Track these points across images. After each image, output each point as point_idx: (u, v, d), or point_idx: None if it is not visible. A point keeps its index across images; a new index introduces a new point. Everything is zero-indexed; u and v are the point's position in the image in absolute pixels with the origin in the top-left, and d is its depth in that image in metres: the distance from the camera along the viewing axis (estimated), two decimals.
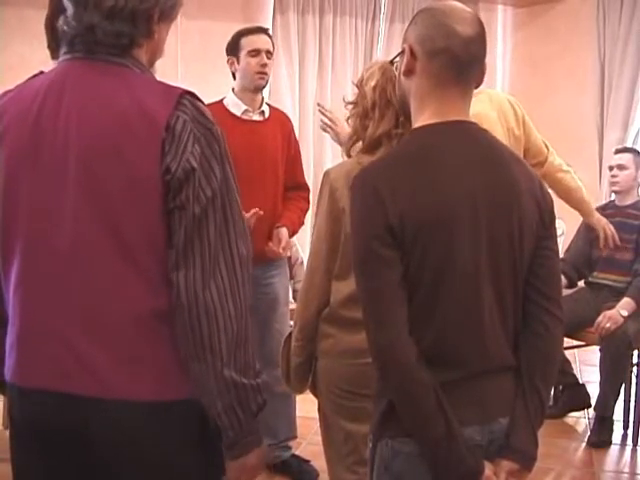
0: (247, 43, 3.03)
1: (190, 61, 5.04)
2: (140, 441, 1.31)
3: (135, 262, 1.28)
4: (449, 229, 1.40)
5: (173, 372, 1.31)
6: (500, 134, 2.83)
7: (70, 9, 1.32)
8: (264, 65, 3.02)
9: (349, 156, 2.06)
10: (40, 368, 1.32)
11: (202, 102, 1.33)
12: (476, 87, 1.53)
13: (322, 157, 5.64)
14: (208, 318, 1.27)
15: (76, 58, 1.35)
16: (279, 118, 3.21)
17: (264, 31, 3.15)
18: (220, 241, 1.29)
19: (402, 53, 1.51)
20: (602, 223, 3.57)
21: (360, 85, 2.02)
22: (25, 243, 1.32)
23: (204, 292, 1.27)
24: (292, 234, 3.15)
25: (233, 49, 3.07)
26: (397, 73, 1.56)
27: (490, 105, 2.87)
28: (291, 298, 3.60)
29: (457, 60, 1.44)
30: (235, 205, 1.32)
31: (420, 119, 1.49)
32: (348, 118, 2.07)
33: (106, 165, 1.27)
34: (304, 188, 3.28)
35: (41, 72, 2.13)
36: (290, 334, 2.18)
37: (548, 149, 3.14)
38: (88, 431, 1.30)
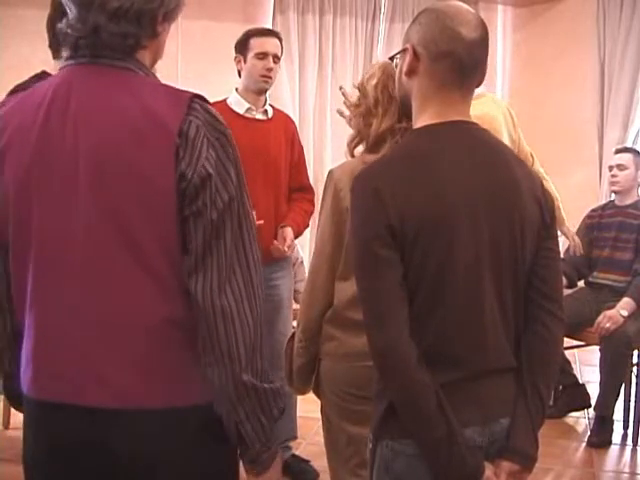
0: (256, 45, 3.03)
1: (190, 61, 5.04)
2: (158, 449, 1.29)
3: (150, 270, 1.26)
4: (450, 230, 1.40)
5: (188, 378, 1.30)
6: (505, 136, 2.90)
7: (73, 11, 1.29)
8: (270, 69, 3.03)
9: (352, 156, 2.07)
10: (56, 381, 1.30)
11: (210, 104, 1.32)
12: (477, 86, 1.53)
13: (322, 157, 5.64)
14: (225, 323, 1.26)
15: (80, 63, 1.32)
16: (282, 120, 3.21)
17: (275, 34, 3.15)
18: (235, 245, 1.28)
19: (403, 51, 1.51)
20: (570, 233, 3.86)
21: (361, 86, 2.03)
22: (38, 257, 1.30)
23: (220, 297, 1.25)
24: (296, 235, 3.14)
25: (241, 48, 3.07)
26: (397, 71, 1.56)
27: (495, 107, 2.94)
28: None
29: (461, 64, 1.44)
30: (248, 209, 1.31)
31: (421, 119, 1.49)
32: (350, 120, 2.07)
33: (118, 175, 1.25)
34: (309, 190, 3.28)
35: (43, 72, 2.14)
36: (293, 335, 2.17)
37: (533, 158, 3.27)
38: (106, 442, 1.28)
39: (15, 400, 1.48)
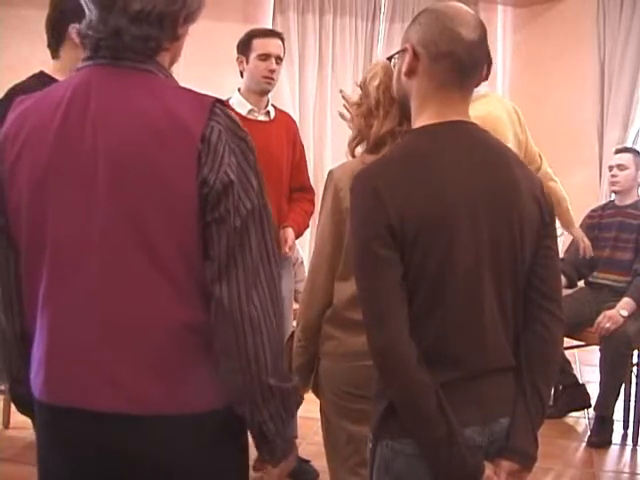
0: (258, 46, 3.02)
1: (190, 61, 4.99)
2: (175, 454, 1.29)
3: (168, 275, 1.25)
4: (450, 230, 1.40)
5: (205, 383, 1.29)
6: (510, 136, 2.89)
7: (94, 13, 1.27)
8: (272, 70, 3.02)
9: (353, 156, 2.06)
10: (70, 386, 1.29)
11: (231, 108, 1.30)
12: (475, 86, 1.53)
13: (322, 157, 5.64)
14: (253, 330, 1.25)
15: (99, 64, 1.30)
16: (284, 120, 3.21)
17: (277, 35, 3.14)
18: (259, 252, 1.27)
19: (402, 52, 1.51)
20: (580, 234, 3.80)
21: (363, 85, 2.02)
22: (52, 258, 1.29)
23: (248, 304, 1.25)
24: (297, 236, 3.14)
25: (244, 49, 3.06)
26: (396, 71, 1.56)
27: (500, 107, 2.93)
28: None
29: (461, 64, 1.45)
30: (269, 214, 1.30)
31: (420, 119, 1.49)
32: (352, 119, 2.07)
33: (138, 177, 1.24)
34: (309, 190, 3.28)
35: (41, 72, 2.14)
36: (292, 334, 2.17)
37: (541, 158, 3.24)
38: (121, 448, 1.27)
39: (24, 406, 1.46)
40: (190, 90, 1.31)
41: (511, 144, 2.91)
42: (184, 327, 1.27)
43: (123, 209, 1.25)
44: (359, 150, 2.06)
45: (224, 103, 1.30)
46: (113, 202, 1.25)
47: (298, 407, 1.36)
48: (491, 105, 2.89)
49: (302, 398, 1.36)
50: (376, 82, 1.99)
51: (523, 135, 3.06)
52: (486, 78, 3.01)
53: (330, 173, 2.03)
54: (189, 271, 1.26)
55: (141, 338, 1.26)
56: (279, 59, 3.05)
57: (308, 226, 3.31)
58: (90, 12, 1.28)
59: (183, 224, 1.24)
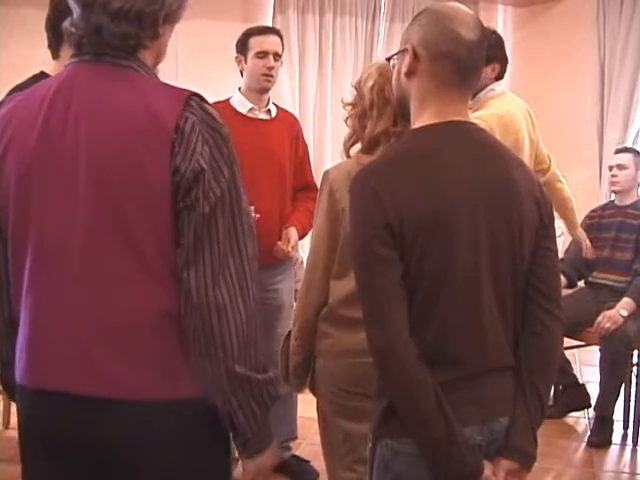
0: (255, 44, 3.02)
1: (189, 60, 5.04)
2: (152, 440, 1.31)
3: (146, 264, 1.28)
4: (449, 229, 1.40)
5: (183, 370, 1.32)
6: (524, 135, 2.90)
7: (77, 11, 1.32)
8: (270, 68, 3.01)
9: (348, 156, 2.07)
10: (50, 370, 1.32)
11: (208, 103, 1.33)
12: (475, 91, 1.53)
13: (322, 157, 5.64)
14: (219, 315, 1.28)
15: (83, 61, 1.35)
16: (287, 119, 3.20)
17: (275, 32, 3.14)
18: (228, 240, 1.29)
19: (402, 52, 1.51)
20: (583, 236, 3.84)
21: (358, 86, 2.05)
22: (36, 249, 1.32)
23: (214, 290, 1.27)
24: (302, 236, 3.12)
25: (242, 48, 3.06)
26: (395, 71, 1.56)
27: (516, 106, 2.95)
28: None
29: (461, 65, 1.45)
30: (242, 204, 1.32)
31: (420, 119, 1.49)
32: (347, 119, 2.08)
33: (117, 170, 1.27)
34: (313, 189, 3.24)
35: (42, 72, 2.14)
36: (289, 333, 2.18)
37: (550, 160, 3.28)
38: (99, 432, 1.30)
39: (11, 389, 1.48)
40: (169, 85, 1.35)
41: (526, 143, 2.93)
42: (162, 315, 1.29)
43: (104, 201, 1.28)
44: (355, 150, 2.07)
45: (201, 97, 1.33)
46: (94, 195, 1.28)
47: (273, 401, 1.36)
48: (508, 104, 2.92)
49: (277, 392, 1.36)
50: (370, 83, 2.01)
51: (535, 136, 3.10)
52: (501, 77, 3.05)
53: (326, 173, 2.04)
54: (166, 260, 1.29)
55: (120, 325, 1.29)
56: (277, 56, 3.04)
57: (312, 226, 3.27)
58: (74, 11, 1.33)
59: (159, 213, 1.28)
